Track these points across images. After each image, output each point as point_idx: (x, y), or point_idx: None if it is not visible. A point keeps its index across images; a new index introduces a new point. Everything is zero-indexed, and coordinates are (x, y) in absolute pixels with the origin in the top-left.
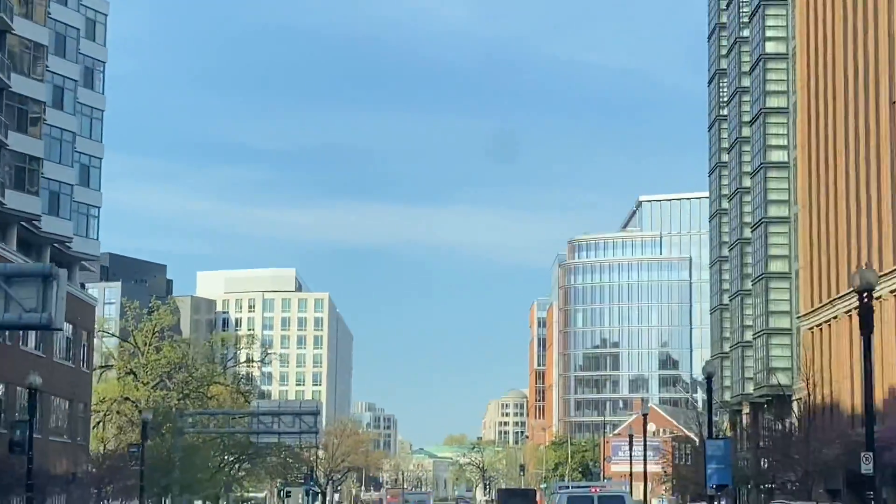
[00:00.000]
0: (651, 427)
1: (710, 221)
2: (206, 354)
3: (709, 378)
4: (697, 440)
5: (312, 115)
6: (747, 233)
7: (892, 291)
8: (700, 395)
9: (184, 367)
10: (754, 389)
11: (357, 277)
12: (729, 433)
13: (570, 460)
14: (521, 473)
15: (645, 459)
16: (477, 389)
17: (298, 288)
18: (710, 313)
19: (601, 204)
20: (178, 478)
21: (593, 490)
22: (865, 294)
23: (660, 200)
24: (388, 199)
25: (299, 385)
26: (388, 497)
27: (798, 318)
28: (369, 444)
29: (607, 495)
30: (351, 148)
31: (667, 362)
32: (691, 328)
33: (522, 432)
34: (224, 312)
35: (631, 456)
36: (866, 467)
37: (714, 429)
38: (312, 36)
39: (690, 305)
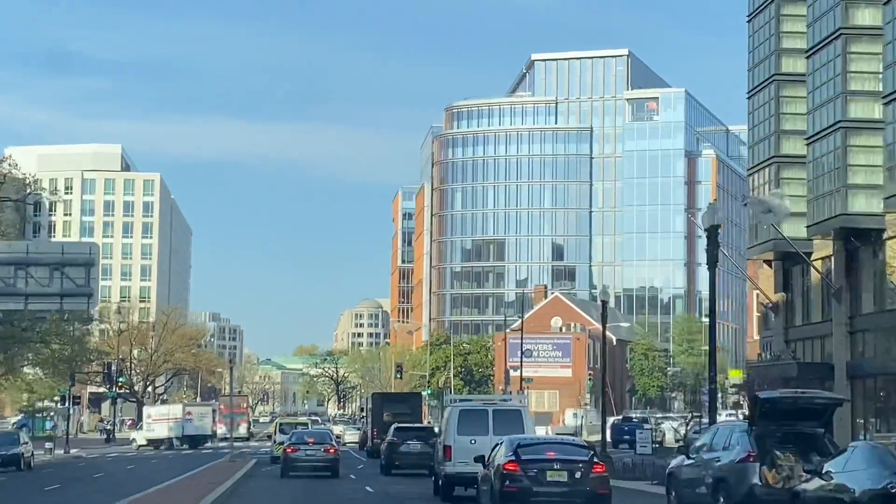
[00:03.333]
0: (556, 322)
1: None
2: None
3: None
4: (615, 339)
5: (157, 25)
6: None
7: None
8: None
9: None
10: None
11: (201, 186)
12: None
13: (452, 363)
14: (398, 376)
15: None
16: (329, 301)
17: (126, 168)
18: (749, 97)
19: (486, 65)
20: None
21: (488, 403)
22: None
23: (556, 60)
24: (237, 115)
25: (125, 279)
26: (221, 406)
27: None
28: (200, 339)
29: (503, 409)
30: (196, 60)
31: (562, 252)
32: (591, 212)
33: (377, 343)
34: (36, 194)
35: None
36: None
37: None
38: None
39: (591, 185)
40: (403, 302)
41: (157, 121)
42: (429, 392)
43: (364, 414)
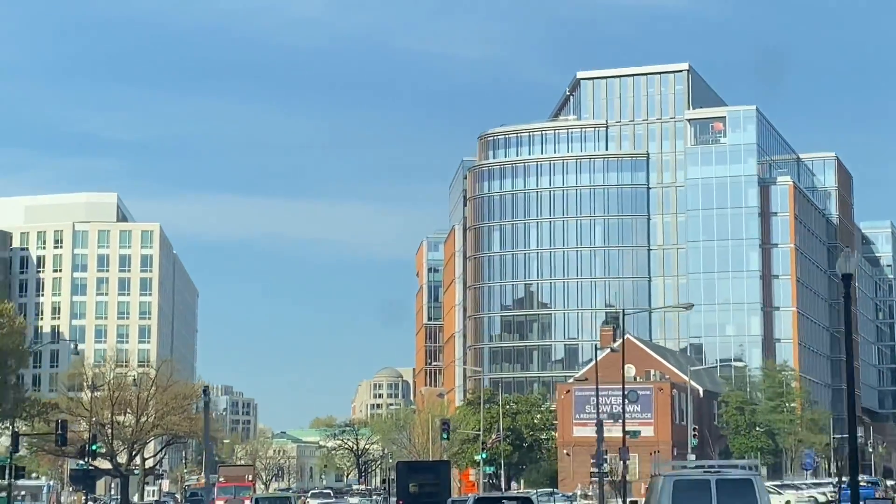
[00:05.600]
0: (629, 370)
1: None
2: None
3: None
4: (701, 389)
5: (167, 107)
6: None
7: None
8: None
9: None
10: None
11: (210, 261)
12: None
13: (501, 424)
14: (444, 437)
15: None
16: (345, 372)
17: (122, 218)
18: None
19: (523, 88)
20: None
21: (709, 472)
22: None
23: (605, 78)
24: (247, 192)
25: (121, 342)
26: (221, 479)
27: None
28: (197, 398)
29: (729, 479)
30: (204, 140)
31: (618, 297)
32: (649, 249)
33: (397, 414)
34: (23, 249)
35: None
36: None
37: None
38: (163, 27)
39: (649, 219)
40: (430, 363)
41: (164, 199)
42: (483, 457)
43: (385, 485)
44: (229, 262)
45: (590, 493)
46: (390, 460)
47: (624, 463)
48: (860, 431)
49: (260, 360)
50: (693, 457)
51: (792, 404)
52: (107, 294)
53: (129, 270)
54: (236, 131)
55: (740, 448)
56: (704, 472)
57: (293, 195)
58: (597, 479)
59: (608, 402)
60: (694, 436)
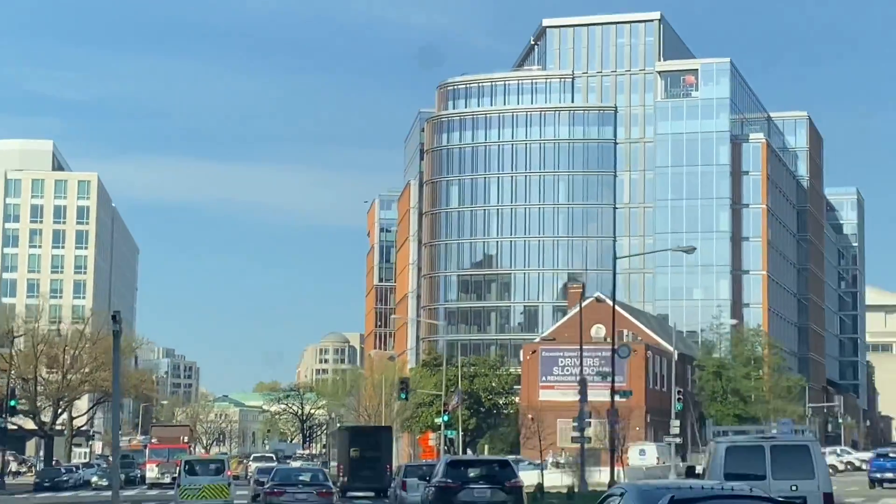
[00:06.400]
0: (598, 331)
1: None
2: None
3: None
4: (676, 353)
5: (113, 67)
6: None
7: None
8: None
9: None
10: None
11: (152, 221)
12: None
13: (459, 385)
14: (403, 397)
15: None
16: (291, 337)
17: (59, 168)
18: None
19: (485, 35)
20: None
21: (765, 438)
22: None
23: (572, 26)
24: (194, 155)
25: (55, 297)
26: (154, 440)
27: None
28: (130, 354)
29: (785, 444)
30: (151, 102)
31: (581, 258)
32: (615, 207)
33: (344, 380)
34: None
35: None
36: None
37: None
38: None
39: (615, 176)
40: (381, 326)
41: (108, 160)
42: (445, 419)
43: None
44: (174, 224)
45: (562, 461)
46: (338, 425)
47: (613, 427)
48: (834, 402)
49: (203, 323)
50: (677, 422)
51: (761, 370)
52: (40, 246)
53: (64, 222)
54: (184, 94)
55: (717, 415)
56: (759, 438)
57: (242, 159)
58: (570, 445)
59: (577, 364)
60: (679, 399)
